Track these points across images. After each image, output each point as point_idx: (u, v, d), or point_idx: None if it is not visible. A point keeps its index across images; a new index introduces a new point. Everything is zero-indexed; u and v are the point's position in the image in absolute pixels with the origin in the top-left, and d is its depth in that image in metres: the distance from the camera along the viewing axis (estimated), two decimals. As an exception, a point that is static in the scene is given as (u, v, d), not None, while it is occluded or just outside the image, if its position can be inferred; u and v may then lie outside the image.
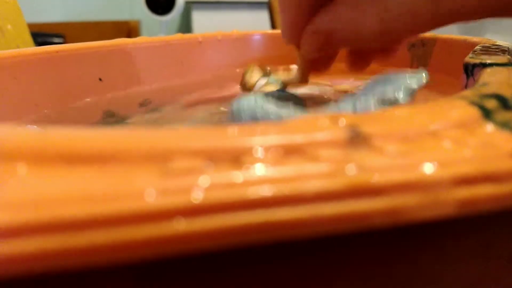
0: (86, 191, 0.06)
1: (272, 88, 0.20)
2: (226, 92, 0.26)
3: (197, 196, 0.06)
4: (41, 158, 0.07)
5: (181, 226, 0.06)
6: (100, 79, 0.22)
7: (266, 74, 0.21)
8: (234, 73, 0.28)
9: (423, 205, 0.07)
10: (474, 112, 0.08)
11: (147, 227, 0.06)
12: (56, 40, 0.86)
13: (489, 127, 0.08)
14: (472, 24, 0.45)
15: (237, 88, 0.26)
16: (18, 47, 0.42)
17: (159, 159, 0.07)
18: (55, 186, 0.06)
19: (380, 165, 0.07)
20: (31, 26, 0.46)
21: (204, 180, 0.06)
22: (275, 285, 0.07)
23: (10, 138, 0.07)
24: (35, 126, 0.07)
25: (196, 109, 0.23)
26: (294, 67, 0.20)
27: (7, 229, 0.06)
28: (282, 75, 0.21)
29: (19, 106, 0.19)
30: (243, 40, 0.31)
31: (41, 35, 0.85)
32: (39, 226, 0.06)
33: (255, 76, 0.21)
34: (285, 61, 0.30)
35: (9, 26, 0.43)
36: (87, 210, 0.06)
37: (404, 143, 0.07)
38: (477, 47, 0.17)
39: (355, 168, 0.07)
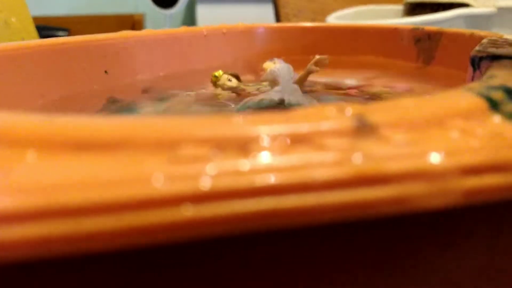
0: (95, 177, 0.06)
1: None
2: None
3: (205, 183, 0.06)
4: (50, 145, 0.07)
5: (189, 212, 0.06)
6: (106, 72, 0.22)
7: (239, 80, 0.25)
8: (239, 65, 0.28)
9: (430, 194, 0.07)
10: (481, 103, 0.08)
11: (155, 213, 0.06)
12: (61, 33, 0.87)
13: (496, 118, 0.08)
14: (479, 18, 0.45)
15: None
16: (23, 39, 0.43)
17: (167, 146, 0.07)
18: (64, 172, 0.06)
19: (387, 154, 0.07)
20: (35, 19, 0.46)
21: (211, 168, 0.06)
22: (280, 270, 0.07)
23: (19, 125, 0.07)
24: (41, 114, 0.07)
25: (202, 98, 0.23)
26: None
27: (16, 214, 0.06)
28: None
29: (25, 95, 0.19)
30: (248, 33, 0.31)
31: (46, 28, 0.85)
32: (48, 211, 0.06)
33: (233, 82, 0.25)
34: (290, 53, 0.30)
35: (13, 19, 0.43)
36: (95, 195, 0.06)
37: (411, 133, 0.07)
38: (484, 40, 0.17)
39: (362, 157, 0.07)
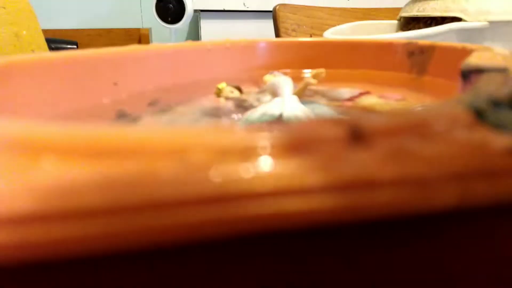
0: (109, 181, 0.06)
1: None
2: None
3: (210, 187, 0.06)
4: (66, 151, 0.07)
5: (197, 214, 0.06)
6: (115, 84, 0.23)
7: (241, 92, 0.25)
8: (241, 78, 0.29)
9: (417, 200, 0.07)
10: (468, 113, 0.09)
11: (166, 215, 0.06)
12: (69, 47, 0.88)
13: (482, 127, 0.08)
14: (471, 32, 0.45)
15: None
16: (33, 51, 0.43)
17: (176, 153, 0.07)
18: (79, 176, 0.07)
19: (378, 160, 0.07)
20: (45, 32, 0.47)
21: (216, 173, 0.07)
22: (279, 270, 0.08)
23: (38, 132, 0.07)
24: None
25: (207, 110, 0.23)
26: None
27: (32, 215, 0.06)
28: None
29: (36, 106, 0.20)
30: (250, 47, 0.32)
31: (55, 41, 0.86)
32: (63, 213, 0.06)
33: (235, 94, 0.25)
34: (289, 66, 0.31)
35: (24, 32, 0.44)
36: (109, 198, 0.06)
37: (401, 140, 0.08)
38: (474, 53, 0.17)
39: (354, 163, 0.07)
